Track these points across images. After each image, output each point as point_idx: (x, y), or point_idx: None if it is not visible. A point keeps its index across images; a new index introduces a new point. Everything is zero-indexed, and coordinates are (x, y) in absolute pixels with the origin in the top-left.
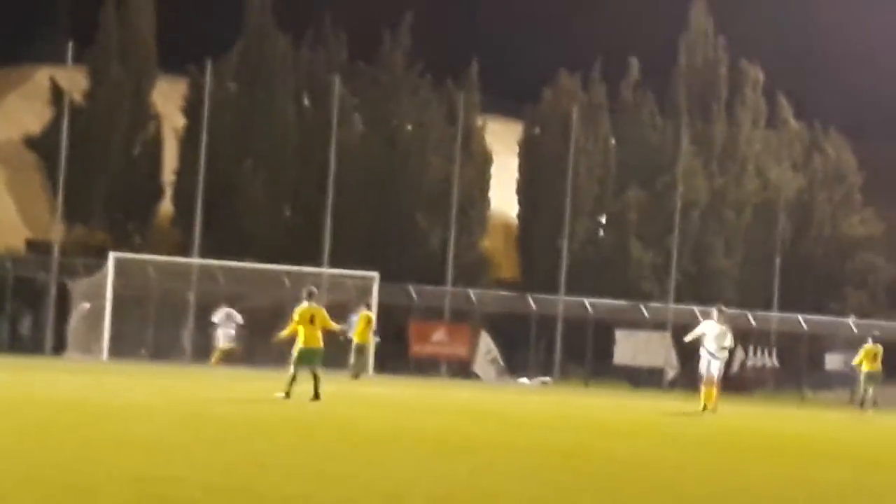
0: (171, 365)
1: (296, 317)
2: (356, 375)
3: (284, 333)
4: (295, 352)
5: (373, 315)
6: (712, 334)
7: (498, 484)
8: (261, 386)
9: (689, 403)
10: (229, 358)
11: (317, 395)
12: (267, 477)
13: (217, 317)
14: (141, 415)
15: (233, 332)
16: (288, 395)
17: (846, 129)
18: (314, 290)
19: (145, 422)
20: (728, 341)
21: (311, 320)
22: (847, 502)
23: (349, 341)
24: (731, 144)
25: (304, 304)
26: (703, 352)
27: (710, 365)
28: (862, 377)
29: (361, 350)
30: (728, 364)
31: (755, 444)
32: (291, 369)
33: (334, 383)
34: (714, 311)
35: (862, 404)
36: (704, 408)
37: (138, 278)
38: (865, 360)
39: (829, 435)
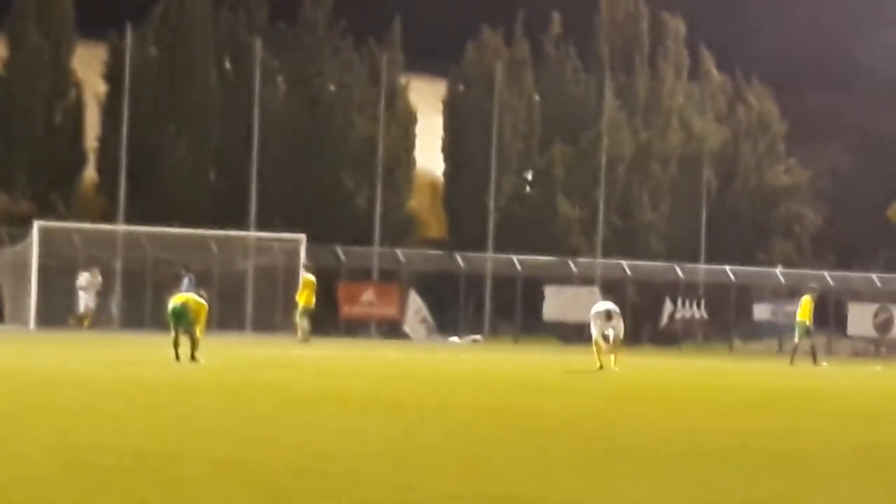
0: (99, 332)
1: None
2: (305, 340)
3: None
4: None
5: (313, 278)
6: (601, 310)
7: (430, 441)
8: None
9: (619, 357)
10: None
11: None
12: (197, 441)
13: (83, 281)
14: (69, 383)
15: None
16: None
17: (768, 78)
18: (191, 276)
19: (73, 390)
20: (615, 324)
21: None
22: (775, 448)
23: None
24: (655, 97)
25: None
26: (594, 326)
27: (602, 332)
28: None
29: (307, 314)
30: (656, 316)
31: (685, 396)
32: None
33: (270, 348)
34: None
35: (793, 354)
36: (601, 366)
37: (64, 247)
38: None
39: (758, 384)
